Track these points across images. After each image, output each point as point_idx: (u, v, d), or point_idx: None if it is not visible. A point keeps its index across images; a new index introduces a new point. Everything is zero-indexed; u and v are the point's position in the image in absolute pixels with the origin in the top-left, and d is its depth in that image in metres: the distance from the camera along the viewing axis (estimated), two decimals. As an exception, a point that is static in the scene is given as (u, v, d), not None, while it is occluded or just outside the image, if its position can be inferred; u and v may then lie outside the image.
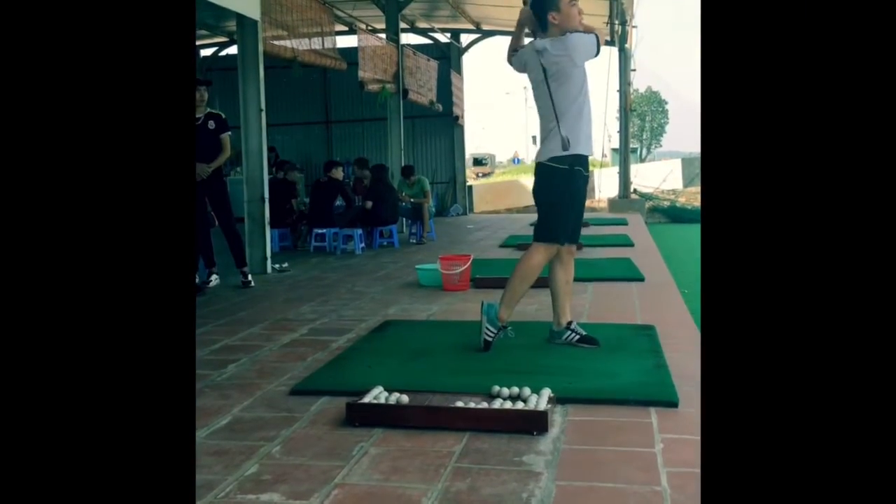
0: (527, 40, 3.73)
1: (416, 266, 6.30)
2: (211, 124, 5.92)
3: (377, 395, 2.77)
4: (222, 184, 6.11)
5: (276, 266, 7.02)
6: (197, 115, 5.92)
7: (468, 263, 5.69)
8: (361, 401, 2.70)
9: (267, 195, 6.89)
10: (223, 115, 6.05)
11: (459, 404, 2.67)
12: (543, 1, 3.51)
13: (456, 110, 14.50)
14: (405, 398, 2.75)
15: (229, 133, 6.04)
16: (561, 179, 3.53)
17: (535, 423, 2.51)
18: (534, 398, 2.70)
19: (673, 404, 2.76)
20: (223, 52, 15.67)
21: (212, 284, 6.09)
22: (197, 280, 5.89)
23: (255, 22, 6.64)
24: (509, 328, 3.66)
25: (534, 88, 3.61)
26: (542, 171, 3.58)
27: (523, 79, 3.81)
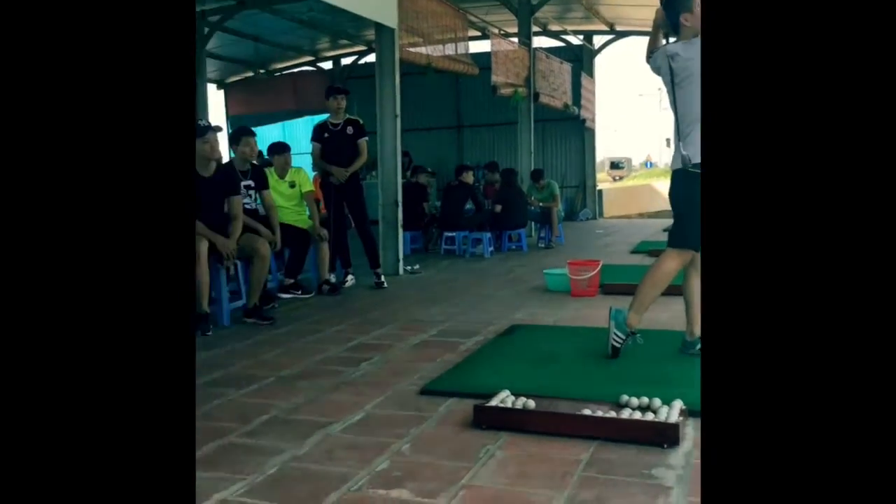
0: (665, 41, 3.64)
1: (545, 270, 6.28)
2: (349, 130, 6.17)
3: (504, 398, 2.80)
4: (359, 187, 6.35)
5: (408, 268, 7.21)
6: (336, 122, 6.20)
7: (597, 269, 5.62)
8: (489, 404, 2.74)
9: (400, 199, 7.09)
10: (361, 121, 6.29)
11: (587, 412, 2.65)
12: (675, 1, 3.42)
13: (586, 113, 14.31)
14: (532, 403, 2.76)
15: (366, 138, 6.27)
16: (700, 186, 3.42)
17: (665, 436, 2.47)
18: (664, 409, 2.64)
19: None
20: (362, 61, 16.22)
21: (348, 284, 6.34)
22: (334, 279, 6.15)
23: (393, 30, 6.85)
24: (638, 335, 3.60)
25: (668, 93, 3.53)
26: (682, 177, 3.48)
27: (657, 80, 3.73)
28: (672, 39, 3.53)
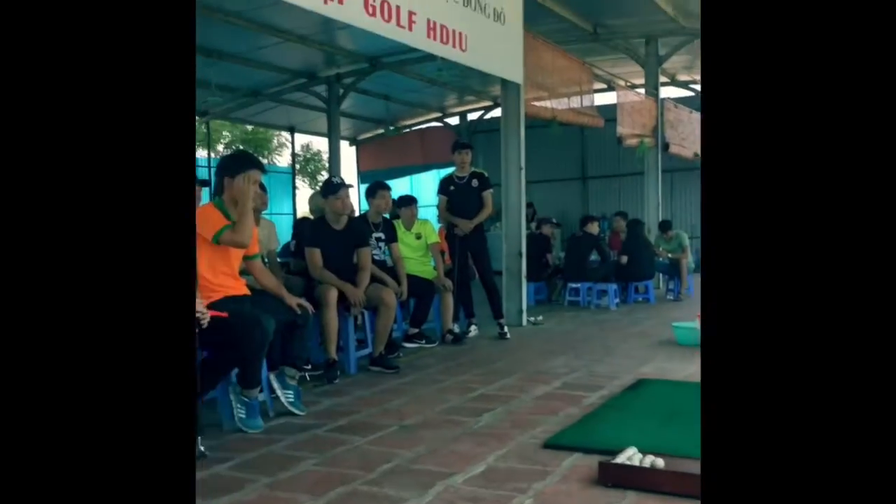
0: None
1: (673, 323, 6.08)
2: (474, 182, 6.32)
3: (631, 455, 2.72)
4: (483, 238, 6.44)
5: (531, 319, 7.17)
6: (462, 175, 6.36)
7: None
8: (615, 461, 2.67)
9: (524, 250, 7.10)
10: (486, 174, 6.42)
11: (719, 474, 2.53)
12: None
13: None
14: (661, 462, 2.66)
15: (491, 190, 6.37)
16: None
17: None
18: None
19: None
20: (488, 116, 16.55)
21: (471, 334, 6.38)
22: (458, 329, 6.21)
23: (518, 85, 6.97)
24: None
25: None
26: None
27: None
28: None
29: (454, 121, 17.36)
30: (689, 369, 4.78)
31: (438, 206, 6.53)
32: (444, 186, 6.45)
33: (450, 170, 6.68)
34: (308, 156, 24.24)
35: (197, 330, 3.10)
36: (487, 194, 6.33)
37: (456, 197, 6.34)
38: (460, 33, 5.87)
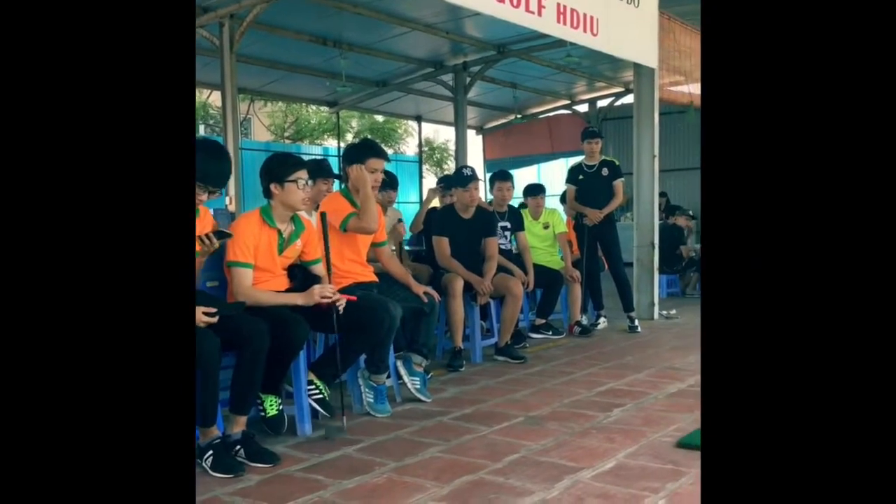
0: None
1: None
2: (604, 171, 6.14)
3: (774, 460, 2.54)
4: (613, 229, 6.25)
5: (664, 313, 6.91)
6: (591, 163, 6.20)
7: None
8: (755, 464, 2.50)
9: (657, 241, 6.85)
10: (617, 162, 6.23)
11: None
12: None
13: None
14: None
15: (622, 179, 6.18)
16: None
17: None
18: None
19: None
20: (619, 102, 16.11)
21: (600, 327, 6.22)
22: (586, 321, 6.08)
23: (653, 70, 6.71)
24: None
25: None
26: None
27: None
28: None
29: (583, 108, 17.00)
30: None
31: (566, 196, 6.41)
32: (573, 175, 6.32)
33: (578, 158, 6.54)
34: (435, 145, 24.52)
35: (334, 315, 3.18)
36: (618, 183, 6.15)
37: (585, 186, 6.20)
38: (591, 17, 5.70)
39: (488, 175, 17.12)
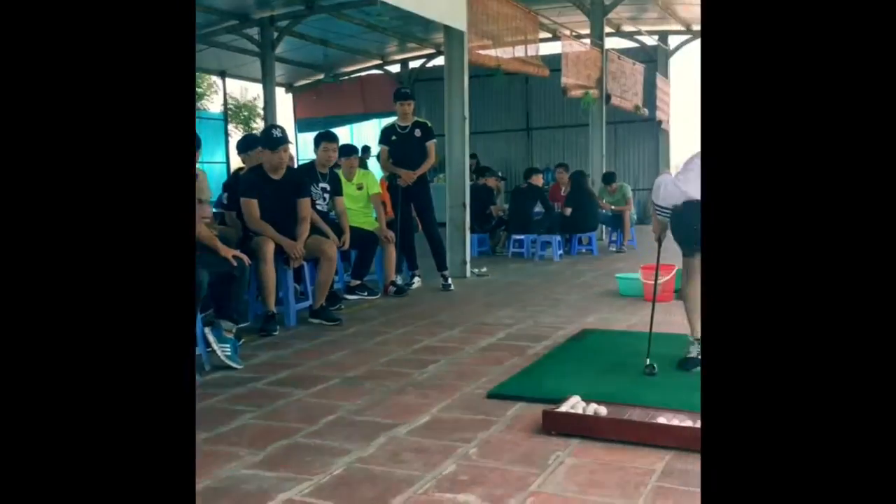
0: None
1: (617, 275, 6.14)
2: (417, 132, 6.18)
3: (574, 404, 2.71)
4: (427, 190, 6.34)
5: (475, 271, 7.15)
6: (404, 125, 6.22)
7: (672, 274, 5.44)
8: (559, 409, 2.65)
9: (468, 201, 7.04)
10: (429, 124, 6.29)
11: (662, 420, 2.54)
12: None
13: (661, 115, 13.99)
14: (603, 410, 2.66)
15: (434, 141, 6.26)
16: None
17: (745, 447, 2.33)
18: (744, 420, 2.51)
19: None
20: (430, 64, 16.27)
21: (414, 286, 6.32)
22: (401, 281, 6.14)
23: (462, 33, 6.81)
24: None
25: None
26: None
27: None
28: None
29: (395, 68, 17.03)
30: (632, 319, 4.83)
31: (380, 156, 6.40)
32: (386, 136, 6.31)
33: (391, 119, 6.53)
34: (242, 103, 23.51)
35: None
36: (431, 144, 6.21)
37: (398, 147, 6.21)
38: (403, -24, 5.67)
39: (300, 135, 16.69)
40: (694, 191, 3.24)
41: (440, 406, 2.98)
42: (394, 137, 6.24)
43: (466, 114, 6.95)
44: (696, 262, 3.48)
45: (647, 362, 3.36)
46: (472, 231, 7.50)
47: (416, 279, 6.43)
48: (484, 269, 7.26)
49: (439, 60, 13.99)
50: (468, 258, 7.10)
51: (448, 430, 2.69)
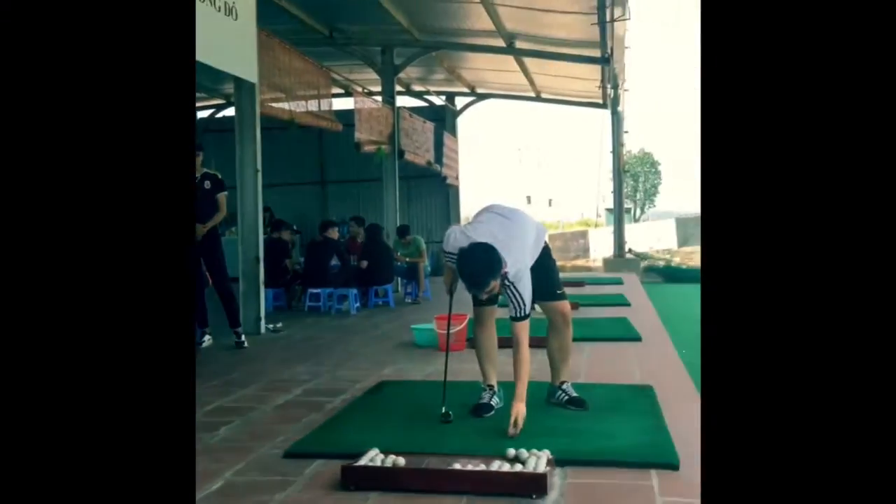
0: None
1: (412, 326, 6.26)
2: (207, 184, 5.96)
3: (373, 457, 2.71)
4: (217, 243, 6.11)
5: (270, 326, 6.97)
6: (194, 176, 5.98)
7: (464, 323, 5.65)
8: (357, 464, 2.64)
9: (262, 255, 6.89)
10: (219, 175, 6.10)
11: (457, 467, 2.61)
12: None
13: (449, 171, 14.63)
14: (401, 461, 2.69)
15: (225, 193, 6.07)
16: None
17: (534, 486, 2.46)
18: (532, 460, 2.64)
19: (673, 466, 2.71)
20: (220, 114, 15.87)
21: (204, 345, 6.03)
22: (190, 340, 5.84)
23: (253, 85, 6.74)
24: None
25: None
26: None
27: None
28: None
29: (185, 120, 16.42)
30: (428, 369, 4.94)
31: None
32: None
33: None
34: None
35: None
36: (222, 197, 6.03)
37: None
38: (190, 25, 5.53)
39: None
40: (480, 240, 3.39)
41: (234, 470, 2.85)
42: None
43: (259, 166, 6.84)
44: (487, 311, 3.65)
45: (444, 410, 3.43)
46: (267, 285, 7.33)
47: (207, 338, 6.15)
48: (279, 325, 7.10)
49: (230, 111, 13.68)
50: (263, 313, 6.92)
51: (242, 494, 2.58)
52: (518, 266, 3.33)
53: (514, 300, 3.36)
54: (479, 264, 3.24)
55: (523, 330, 3.41)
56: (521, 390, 3.26)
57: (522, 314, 3.40)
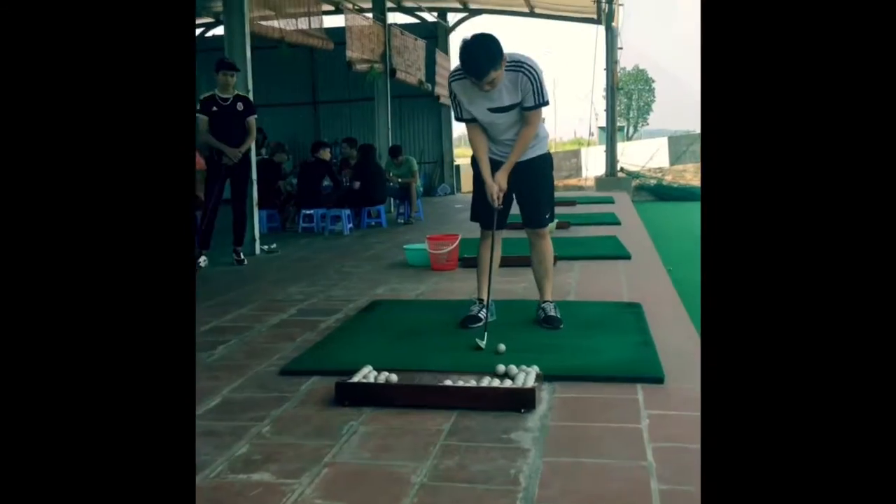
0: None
1: (404, 246, 6.31)
2: (239, 106, 6.09)
3: (366, 374, 2.79)
4: (249, 166, 6.34)
5: (265, 247, 7.02)
6: (225, 96, 6.06)
7: (456, 243, 5.70)
8: (350, 380, 2.72)
9: (255, 176, 6.88)
10: (251, 98, 6.14)
11: (448, 383, 2.69)
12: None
13: (441, 90, 14.44)
14: (394, 377, 2.77)
15: (255, 115, 6.18)
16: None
17: (522, 401, 2.54)
18: (521, 375, 2.73)
19: (659, 380, 2.80)
20: (209, 33, 15.51)
21: (200, 265, 6.09)
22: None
23: (242, 2, 6.58)
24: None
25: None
26: (549, 160, 3.84)
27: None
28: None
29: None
30: (420, 288, 5.01)
31: (198, 127, 6.08)
32: (206, 106, 6.05)
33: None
34: None
35: None
36: (252, 119, 6.16)
37: (219, 119, 6.02)
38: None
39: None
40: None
41: (231, 387, 2.94)
42: (214, 108, 6.00)
43: (250, 86, 6.75)
44: (495, 234, 3.70)
45: (479, 342, 3.30)
46: (261, 207, 7.35)
47: (203, 258, 6.20)
48: (274, 246, 7.15)
49: (220, 30, 13.36)
50: (257, 234, 6.96)
51: (240, 410, 2.67)
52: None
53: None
54: (481, 49, 3.28)
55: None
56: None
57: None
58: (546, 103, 3.46)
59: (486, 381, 2.71)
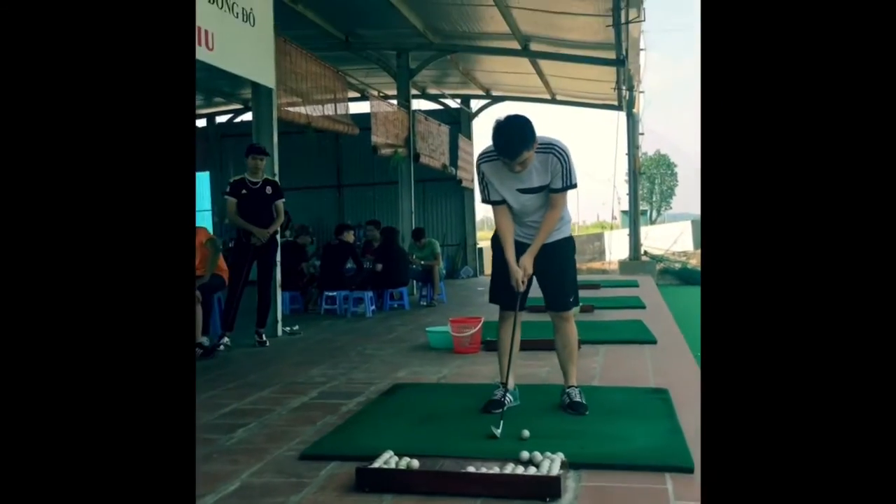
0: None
1: (427, 328, 6.28)
2: (268, 189, 6.22)
3: (387, 459, 2.73)
4: (276, 247, 6.43)
5: (287, 329, 7.02)
6: (255, 180, 6.23)
7: (479, 326, 5.67)
8: (372, 466, 2.66)
9: (279, 258, 6.95)
10: (279, 182, 6.34)
11: (471, 469, 2.62)
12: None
13: (464, 174, 14.66)
14: (416, 463, 2.71)
15: (283, 200, 6.34)
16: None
17: (547, 489, 2.47)
18: (546, 463, 2.65)
19: (688, 469, 2.71)
20: (238, 119, 16.00)
21: (222, 348, 6.08)
22: (207, 343, 5.90)
23: (271, 90, 6.80)
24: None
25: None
26: (571, 243, 3.83)
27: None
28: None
29: (201, 123, 16.56)
30: (442, 371, 4.96)
31: (227, 209, 6.28)
32: (236, 189, 6.21)
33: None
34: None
35: None
36: (280, 203, 6.30)
37: (248, 202, 6.16)
38: (207, 31, 5.59)
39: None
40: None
41: (250, 471, 2.88)
42: (244, 191, 6.15)
43: (276, 170, 6.90)
44: (515, 315, 3.66)
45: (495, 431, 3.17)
46: (284, 288, 7.40)
47: (225, 339, 6.21)
48: (296, 328, 7.15)
49: (248, 116, 13.79)
50: (279, 316, 6.97)
51: (259, 495, 2.61)
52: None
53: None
54: (514, 129, 3.31)
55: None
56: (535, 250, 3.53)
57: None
58: (574, 186, 3.49)
59: (509, 468, 2.64)
